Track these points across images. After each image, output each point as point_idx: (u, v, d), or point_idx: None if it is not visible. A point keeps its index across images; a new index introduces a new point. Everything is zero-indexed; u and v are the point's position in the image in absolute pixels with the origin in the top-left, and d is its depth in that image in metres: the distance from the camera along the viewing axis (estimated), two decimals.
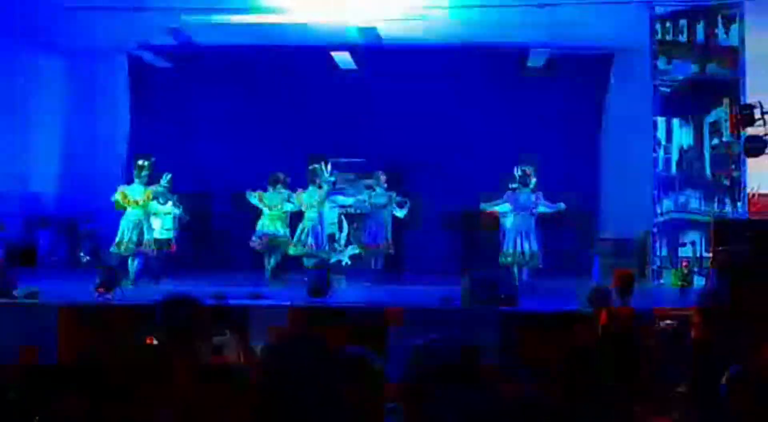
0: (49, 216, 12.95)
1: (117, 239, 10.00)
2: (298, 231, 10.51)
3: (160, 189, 10.29)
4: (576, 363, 3.36)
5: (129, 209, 10.00)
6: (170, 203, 10.83)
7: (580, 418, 2.80)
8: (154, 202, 10.35)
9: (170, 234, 10.96)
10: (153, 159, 10.28)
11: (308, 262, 10.18)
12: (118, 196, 10.02)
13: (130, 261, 9.98)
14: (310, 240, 10.33)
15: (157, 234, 10.57)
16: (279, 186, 10.94)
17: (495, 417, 1.58)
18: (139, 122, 13.16)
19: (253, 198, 10.90)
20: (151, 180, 10.16)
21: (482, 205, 10.30)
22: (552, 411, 2.67)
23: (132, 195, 10.00)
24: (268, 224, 10.90)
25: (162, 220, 10.76)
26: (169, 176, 10.38)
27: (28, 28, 11.33)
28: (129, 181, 10.37)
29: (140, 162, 10.21)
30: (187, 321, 3.07)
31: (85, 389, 2.73)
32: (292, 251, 10.49)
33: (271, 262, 10.96)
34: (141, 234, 9.95)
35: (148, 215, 10.23)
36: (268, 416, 1.89)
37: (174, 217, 11.08)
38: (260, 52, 12.53)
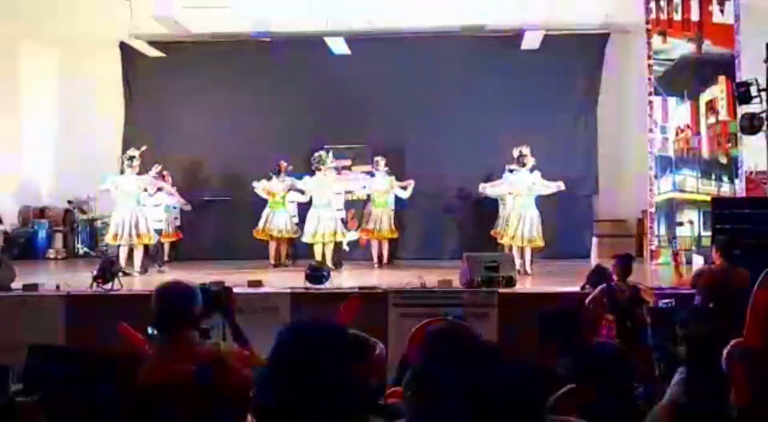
0: (46, 208, 12.93)
1: (111, 231, 9.93)
2: (310, 218, 10.44)
3: (165, 184, 10.35)
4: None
5: (121, 201, 9.88)
6: (160, 194, 10.73)
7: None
8: (144, 194, 10.22)
9: (162, 225, 10.91)
10: (143, 149, 10.18)
11: (318, 248, 10.18)
12: (110, 187, 9.94)
13: (121, 252, 9.88)
14: (321, 227, 10.28)
15: (152, 225, 10.52)
16: (283, 174, 10.96)
17: (503, 392, 1.57)
18: (133, 111, 13.11)
19: (258, 188, 10.92)
20: (142, 170, 10.07)
21: (481, 186, 10.29)
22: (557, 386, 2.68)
23: (123, 186, 9.88)
24: (275, 213, 10.92)
25: (153, 211, 10.69)
26: (159, 167, 10.32)
27: (20, 18, 11.25)
28: (122, 172, 10.28)
29: (130, 152, 10.11)
30: (179, 308, 3.08)
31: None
32: (304, 239, 10.46)
33: (281, 250, 11.00)
34: (136, 225, 9.79)
35: (141, 206, 10.10)
36: (274, 400, 1.88)
37: (168, 208, 11.03)
38: (253, 39, 12.48)
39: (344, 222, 11.35)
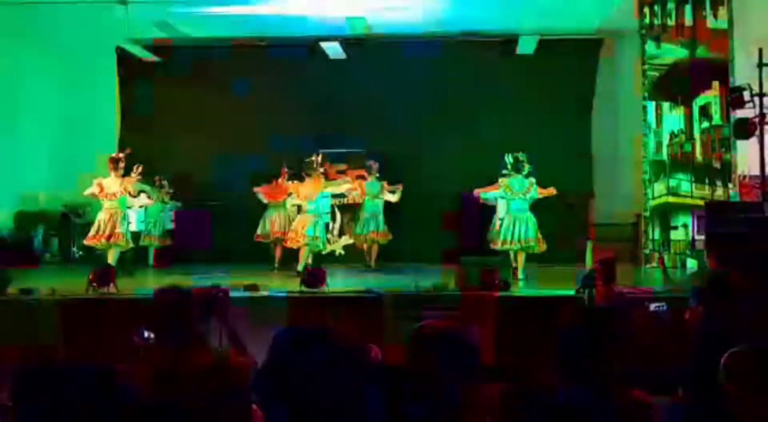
0: (42, 213, 12.91)
1: (91, 232, 9.84)
2: (298, 223, 10.45)
3: (145, 186, 10.30)
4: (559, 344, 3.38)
5: (105, 203, 9.83)
6: (144, 195, 10.71)
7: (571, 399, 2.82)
8: (127, 196, 10.16)
9: (142, 227, 10.86)
10: (127, 151, 10.15)
11: (311, 254, 10.19)
12: (94, 189, 9.90)
13: (105, 253, 9.82)
14: (311, 231, 10.28)
15: (132, 228, 10.39)
16: (283, 179, 10.99)
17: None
18: (130, 116, 13.12)
19: (260, 192, 10.94)
20: (127, 173, 10.01)
21: (476, 191, 10.33)
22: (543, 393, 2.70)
23: (108, 188, 9.83)
24: (275, 215, 10.94)
25: (136, 214, 10.65)
26: (140, 167, 10.25)
27: (17, 23, 11.26)
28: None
29: (115, 155, 10.10)
30: (176, 312, 3.10)
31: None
32: (295, 244, 10.45)
33: (277, 255, 11.00)
34: (115, 227, 9.71)
35: (125, 208, 10.04)
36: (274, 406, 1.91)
37: (158, 210, 11.00)
38: (249, 43, 12.51)
39: (341, 227, 11.37)
